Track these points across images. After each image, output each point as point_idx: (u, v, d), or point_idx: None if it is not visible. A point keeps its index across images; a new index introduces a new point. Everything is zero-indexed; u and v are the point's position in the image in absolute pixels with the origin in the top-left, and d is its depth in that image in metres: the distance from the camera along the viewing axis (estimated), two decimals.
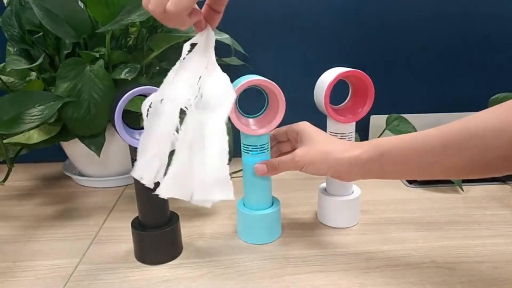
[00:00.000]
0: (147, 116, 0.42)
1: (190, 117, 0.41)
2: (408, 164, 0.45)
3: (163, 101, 0.41)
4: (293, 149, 0.53)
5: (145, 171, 0.42)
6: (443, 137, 0.43)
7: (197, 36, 0.43)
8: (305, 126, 0.54)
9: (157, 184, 0.41)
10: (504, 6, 0.87)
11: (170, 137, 0.41)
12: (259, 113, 0.55)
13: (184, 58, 0.42)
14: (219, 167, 0.40)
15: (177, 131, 0.41)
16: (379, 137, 0.90)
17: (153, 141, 0.42)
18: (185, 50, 0.42)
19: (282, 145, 0.58)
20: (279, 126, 0.54)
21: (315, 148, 0.51)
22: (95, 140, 0.69)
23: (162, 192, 0.40)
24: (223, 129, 0.40)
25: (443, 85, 0.93)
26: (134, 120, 0.70)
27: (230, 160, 0.40)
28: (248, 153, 0.54)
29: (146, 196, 0.52)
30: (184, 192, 0.41)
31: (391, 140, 0.47)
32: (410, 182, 0.77)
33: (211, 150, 0.40)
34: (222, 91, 0.41)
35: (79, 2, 0.69)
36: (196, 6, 0.40)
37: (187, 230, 0.61)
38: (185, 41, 0.78)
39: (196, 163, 0.40)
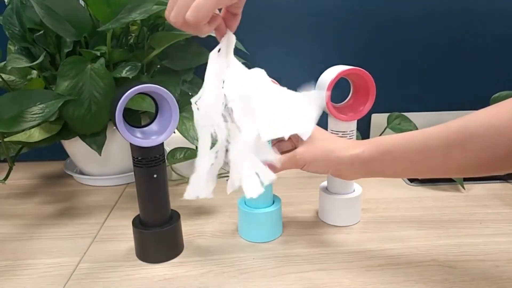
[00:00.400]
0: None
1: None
2: (409, 163, 0.45)
3: (203, 115, 0.43)
4: (294, 148, 0.53)
5: (200, 190, 0.44)
6: (444, 137, 0.42)
7: (220, 42, 0.44)
8: None
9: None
10: (505, 3, 0.87)
11: (214, 150, 0.43)
12: None
13: (211, 66, 0.43)
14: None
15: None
16: (380, 135, 0.90)
17: (201, 157, 0.44)
18: (211, 58, 0.43)
19: (283, 143, 0.58)
20: None
21: (316, 147, 0.51)
22: (96, 138, 0.69)
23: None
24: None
25: (445, 84, 0.92)
26: (135, 119, 0.70)
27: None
28: None
29: (147, 194, 0.52)
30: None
31: (393, 139, 0.47)
32: (411, 180, 0.77)
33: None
34: (253, 79, 0.43)
35: (80, 0, 0.69)
36: (217, 11, 0.41)
37: (188, 228, 0.61)
38: (186, 39, 0.78)
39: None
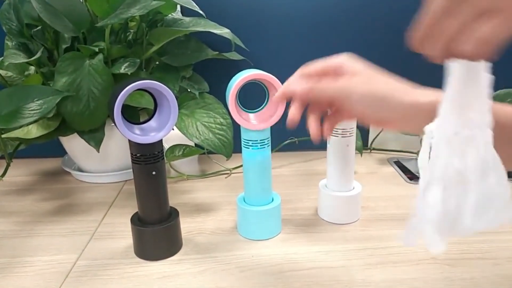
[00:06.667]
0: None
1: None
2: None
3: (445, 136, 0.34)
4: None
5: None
6: None
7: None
8: (348, 59, 0.40)
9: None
10: None
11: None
12: (260, 108, 0.55)
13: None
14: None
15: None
16: (378, 135, 0.90)
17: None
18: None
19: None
20: (278, 121, 0.53)
21: (369, 80, 0.39)
22: (94, 135, 0.69)
23: None
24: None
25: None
26: (133, 115, 0.70)
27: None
28: (248, 148, 0.54)
29: (146, 191, 0.52)
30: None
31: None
32: (411, 178, 0.77)
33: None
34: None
35: None
36: None
37: (187, 225, 0.61)
38: (186, 35, 0.77)
39: None
